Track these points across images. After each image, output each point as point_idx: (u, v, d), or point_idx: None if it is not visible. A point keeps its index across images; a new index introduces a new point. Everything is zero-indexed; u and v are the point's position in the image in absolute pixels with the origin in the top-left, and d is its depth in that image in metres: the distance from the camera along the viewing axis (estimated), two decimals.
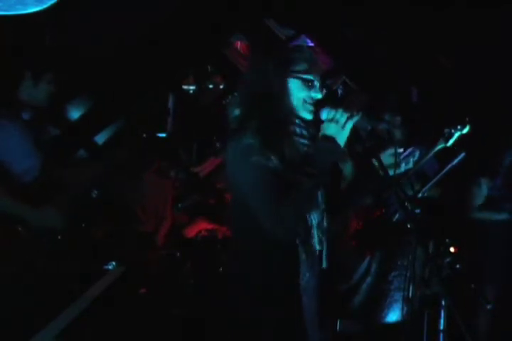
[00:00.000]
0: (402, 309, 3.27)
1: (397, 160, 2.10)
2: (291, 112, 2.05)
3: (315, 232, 2.04)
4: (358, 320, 3.52)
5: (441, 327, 2.91)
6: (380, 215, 3.57)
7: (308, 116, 2.06)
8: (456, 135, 3.25)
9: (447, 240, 2.84)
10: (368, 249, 3.61)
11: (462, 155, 3.17)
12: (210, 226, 4.79)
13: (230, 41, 5.77)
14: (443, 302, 2.87)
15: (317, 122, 2.05)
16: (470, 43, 4.54)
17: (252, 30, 5.39)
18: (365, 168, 2.16)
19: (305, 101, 2.04)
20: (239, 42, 5.97)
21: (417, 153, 2.18)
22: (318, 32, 5.28)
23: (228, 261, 2.49)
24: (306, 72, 2.05)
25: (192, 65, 5.66)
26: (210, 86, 5.88)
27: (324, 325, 2.12)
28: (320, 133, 2.01)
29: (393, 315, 3.44)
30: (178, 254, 4.51)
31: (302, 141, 2.06)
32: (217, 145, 4.52)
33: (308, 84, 2.04)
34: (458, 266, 2.58)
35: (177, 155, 5.12)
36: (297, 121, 2.06)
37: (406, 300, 3.20)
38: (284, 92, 2.03)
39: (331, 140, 1.97)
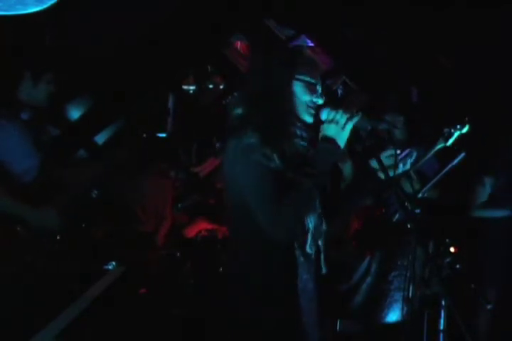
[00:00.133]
0: (402, 309, 3.27)
1: (395, 161, 2.10)
2: (292, 114, 2.05)
3: (309, 236, 2.04)
4: (358, 320, 3.52)
5: (441, 327, 2.91)
6: (380, 215, 3.57)
7: (309, 120, 2.06)
8: (456, 134, 3.26)
9: (447, 240, 2.84)
10: (368, 249, 3.61)
11: (462, 155, 3.17)
12: (210, 227, 4.79)
13: (230, 41, 5.77)
14: (443, 303, 2.87)
15: (317, 124, 2.05)
16: (470, 43, 4.54)
17: (252, 30, 5.39)
18: (364, 168, 2.16)
19: (308, 105, 2.04)
20: (239, 42, 5.97)
21: (414, 154, 2.18)
22: (318, 32, 5.28)
23: (228, 261, 2.49)
24: (310, 76, 2.05)
25: (192, 64, 5.66)
26: (210, 86, 5.88)
27: (324, 325, 2.11)
28: (320, 134, 2.01)
29: (393, 315, 3.44)
30: (178, 254, 4.51)
31: (301, 142, 2.06)
32: (217, 145, 4.52)
33: (312, 89, 2.05)
34: (458, 266, 2.58)
35: (177, 156, 5.12)
36: (298, 123, 2.06)
37: (406, 300, 3.20)
38: (285, 93, 2.03)
39: (331, 141, 1.97)
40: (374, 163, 2.09)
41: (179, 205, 4.98)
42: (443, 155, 3.42)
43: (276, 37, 5.33)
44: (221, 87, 5.85)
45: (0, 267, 2.84)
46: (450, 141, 3.27)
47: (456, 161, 3.18)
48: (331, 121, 1.99)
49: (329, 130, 1.99)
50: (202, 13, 4.83)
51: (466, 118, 3.25)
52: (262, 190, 1.92)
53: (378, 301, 3.48)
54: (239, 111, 2.05)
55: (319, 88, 2.06)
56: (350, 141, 2.03)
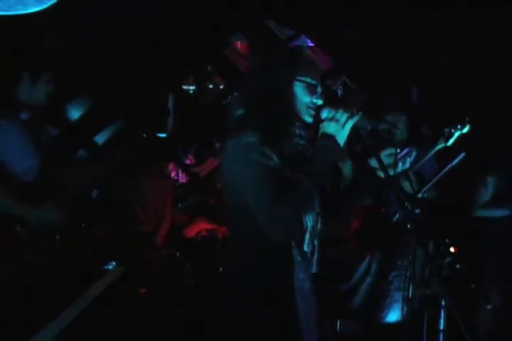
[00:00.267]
0: (402, 309, 3.27)
1: (395, 160, 2.10)
2: (292, 114, 2.04)
3: (307, 235, 2.04)
4: (358, 320, 3.52)
5: (441, 327, 2.91)
6: (379, 215, 3.57)
7: (309, 120, 2.06)
8: (456, 134, 3.26)
9: (447, 240, 2.84)
10: (368, 249, 3.61)
11: (462, 155, 3.17)
12: (209, 227, 4.79)
13: (230, 41, 5.77)
14: (443, 303, 2.87)
15: (316, 124, 2.05)
16: (470, 43, 4.54)
17: (252, 31, 5.39)
18: (364, 168, 2.16)
19: (308, 106, 2.04)
20: (239, 43, 5.98)
21: (414, 154, 2.18)
22: (318, 32, 5.28)
23: (228, 261, 2.48)
24: (311, 76, 2.05)
25: (192, 65, 5.66)
26: (210, 86, 5.89)
27: (323, 325, 2.11)
28: (320, 132, 2.00)
29: (393, 315, 3.44)
30: (178, 254, 4.51)
31: (300, 142, 2.06)
32: (217, 145, 4.52)
33: (312, 90, 2.04)
34: (458, 266, 2.58)
35: (177, 156, 5.12)
36: (298, 123, 2.05)
37: (406, 300, 3.20)
38: (286, 94, 2.02)
39: (330, 139, 1.97)
40: (374, 162, 2.09)
41: (179, 205, 4.98)
42: (443, 155, 3.42)
43: (276, 37, 5.33)
44: (221, 87, 5.85)
45: (0, 267, 2.84)
46: (451, 141, 3.27)
47: (456, 161, 3.18)
48: (331, 119, 1.98)
49: (329, 128, 1.98)
50: (202, 13, 4.83)
51: (467, 118, 3.25)
52: (262, 189, 1.92)
53: (378, 301, 3.48)
54: (239, 111, 2.04)
55: (319, 89, 2.06)
56: (351, 140, 2.03)
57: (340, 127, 1.97)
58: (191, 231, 4.82)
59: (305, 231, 2.04)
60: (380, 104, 3.90)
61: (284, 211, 1.90)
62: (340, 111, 1.98)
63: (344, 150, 2.04)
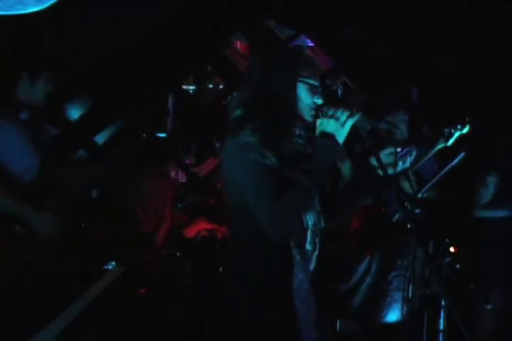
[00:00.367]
0: (402, 309, 3.27)
1: (394, 159, 2.10)
2: (294, 114, 2.04)
3: (309, 234, 2.04)
4: (358, 320, 3.52)
5: (441, 327, 2.91)
6: (379, 215, 3.57)
7: (310, 120, 2.05)
8: (456, 135, 3.25)
9: (447, 240, 2.84)
10: (367, 249, 3.60)
11: (462, 155, 3.17)
12: (209, 227, 4.79)
13: (230, 41, 5.77)
14: (443, 302, 2.87)
15: (315, 122, 2.05)
16: (470, 43, 4.53)
17: (252, 30, 5.39)
18: (364, 167, 2.16)
19: (310, 107, 2.03)
20: (239, 42, 5.97)
21: (414, 153, 2.18)
22: (317, 32, 5.28)
23: (228, 261, 2.48)
24: (313, 78, 2.04)
25: (192, 64, 5.66)
26: (210, 86, 5.88)
27: (323, 325, 2.11)
28: (318, 130, 2.00)
29: (393, 315, 3.44)
30: (178, 254, 4.51)
31: (299, 141, 2.05)
32: (217, 145, 4.52)
33: (314, 91, 2.04)
34: (458, 265, 2.58)
35: (177, 155, 5.12)
36: (299, 124, 2.05)
37: (406, 300, 3.20)
38: (289, 94, 2.01)
39: (330, 137, 1.96)
40: (373, 161, 2.09)
41: (179, 205, 4.98)
42: (443, 155, 3.42)
43: (276, 37, 5.33)
44: (221, 86, 5.85)
45: (0, 267, 2.84)
46: (450, 141, 3.27)
47: (456, 161, 3.18)
48: (331, 117, 1.98)
49: (329, 126, 1.98)
50: (202, 12, 4.83)
51: (467, 119, 3.25)
52: (261, 188, 1.92)
53: (378, 301, 3.48)
54: (238, 111, 2.04)
55: (320, 89, 2.06)
56: (350, 140, 2.02)
57: (340, 125, 1.96)
58: (191, 231, 4.82)
59: (306, 230, 2.03)
60: (380, 104, 3.90)
61: (284, 210, 1.89)
62: (341, 109, 1.97)
63: (343, 150, 2.03)
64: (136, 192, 4.58)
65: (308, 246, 2.04)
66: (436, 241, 2.78)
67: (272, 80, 2.01)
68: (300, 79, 2.02)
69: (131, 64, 4.79)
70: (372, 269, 3.54)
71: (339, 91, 5.30)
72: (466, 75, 4.74)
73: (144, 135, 4.11)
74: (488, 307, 2.60)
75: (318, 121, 2.01)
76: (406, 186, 3.36)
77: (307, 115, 2.04)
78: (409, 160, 2.13)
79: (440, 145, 3.30)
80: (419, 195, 3.28)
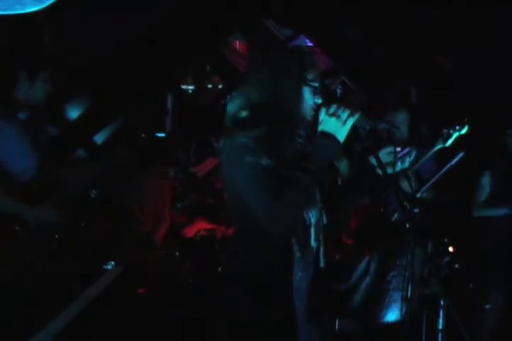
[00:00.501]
0: (401, 309, 3.27)
1: (394, 159, 2.10)
2: (297, 116, 2.02)
3: (312, 231, 2.04)
4: (357, 319, 3.52)
5: (440, 327, 2.91)
6: (378, 215, 3.57)
7: (310, 119, 2.05)
8: (455, 135, 3.26)
9: (446, 240, 2.84)
10: (366, 249, 3.61)
11: (461, 155, 3.17)
12: (208, 226, 4.79)
13: (229, 41, 5.77)
14: (442, 302, 2.87)
15: (315, 121, 2.04)
16: (469, 43, 4.54)
17: (252, 30, 5.39)
18: (363, 166, 2.16)
19: (311, 107, 2.03)
20: (237, 42, 5.97)
21: (413, 153, 2.18)
22: (316, 32, 5.28)
23: (227, 261, 2.48)
24: (315, 79, 2.04)
25: (191, 64, 5.66)
26: (209, 86, 5.88)
27: (321, 324, 2.11)
28: (319, 128, 1.99)
29: (392, 315, 3.44)
30: (177, 254, 4.51)
31: (299, 140, 2.05)
32: (216, 145, 4.51)
33: (316, 92, 2.04)
34: (457, 265, 2.59)
35: (176, 155, 5.11)
36: (301, 124, 2.04)
37: (405, 300, 3.20)
38: (291, 96, 2.00)
39: (330, 136, 1.96)
40: (372, 160, 2.08)
41: (178, 205, 4.97)
42: (442, 155, 3.42)
43: (276, 37, 5.33)
44: (220, 86, 5.85)
45: None
46: (449, 142, 3.28)
47: (454, 161, 3.18)
48: (332, 115, 1.97)
49: (329, 125, 1.97)
50: (200, 12, 4.83)
51: (465, 120, 3.25)
52: (260, 190, 1.92)
53: (377, 301, 3.48)
54: (237, 112, 2.03)
55: (319, 89, 2.06)
56: (350, 140, 2.02)
57: (341, 124, 1.96)
58: (190, 231, 4.82)
59: (309, 227, 2.03)
60: (379, 104, 3.90)
61: (284, 209, 1.89)
62: (342, 108, 1.97)
63: (341, 148, 2.02)
64: (135, 192, 4.58)
65: (313, 243, 2.04)
66: (435, 241, 2.78)
67: (278, 82, 2.00)
68: (305, 81, 2.01)
69: (130, 63, 4.79)
70: (372, 269, 3.55)
71: (338, 91, 5.30)
72: (465, 75, 4.74)
73: (143, 135, 4.11)
74: (487, 306, 2.60)
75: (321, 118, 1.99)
76: (405, 185, 3.36)
77: (308, 115, 2.04)
78: (408, 160, 2.13)
79: (439, 146, 3.31)
80: (418, 195, 3.28)
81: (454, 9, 4.45)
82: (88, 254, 3.79)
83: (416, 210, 2.98)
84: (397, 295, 3.40)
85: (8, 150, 2.95)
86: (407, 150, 2.21)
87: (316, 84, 2.03)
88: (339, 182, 2.35)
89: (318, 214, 2.07)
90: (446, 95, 4.80)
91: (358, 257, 3.61)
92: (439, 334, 2.91)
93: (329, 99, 2.05)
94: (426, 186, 3.34)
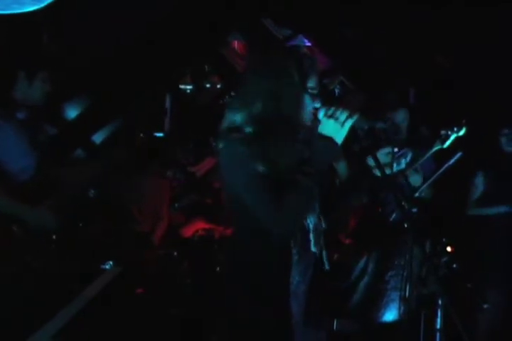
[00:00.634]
0: (399, 308, 3.27)
1: (391, 160, 2.10)
2: (297, 122, 2.02)
3: (312, 236, 2.04)
4: (355, 319, 3.52)
5: (438, 327, 2.91)
6: (376, 215, 3.57)
7: (309, 123, 2.04)
8: (453, 137, 3.26)
9: (444, 239, 2.84)
10: (365, 249, 3.61)
11: (459, 154, 3.18)
12: (207, 226, 4.79)
13: (228, 41, 5.77)
14: (440, 302, 2.88)
15: (313, 124, 2.04)
16: (468, 43, 4.54)
17: (251, 30, 5.39)
18: (361, 167, 2.16)
19: (311, 112, 2.02)
20: (236, 42, 5.98)
21: (409, 155, 2.18)
22: (315, 32, 5.28)
23: (226, 261, 2.48)
24: (315, 86, 2.03)
25: (189, 64, 5.65)
26: (208, 85, 5.88)
27: (320, 326, 2.11)
28: (317, 131, 1.99)
29: (390, 315, 3.44)
30: (175, 254, 4.51)
31: (298, 144, 2.04)
32: (214, 144, 4.50)
33: (315, 97, 2.03)
34: (455, 265, 2.59)
35: (174, 155, 5.12)
36: (300, 129, 2.04)
37: (403, 300, 3.20)
38: (292, 104, 1.99)
39: (328, 138, 1.96)
40: (370, 161, 2.08)
41: (176, 205, 4.98)
42: (439, 154, 3.43)
43: (274, 37, 5.34)
44: (218, 86, 5.85)
45: None
46: (447, 143, 3.28)
47: (452, 161, 3.19)
48: (330, 117, 1.97)
49: (327, 126, 1.96)
50: (199, 12, 4.83)
51: (463, 121, 3.25)
52: (261, 196, 1.91)
53: (375, 301, 3.48)
54: (236, 117, 2.02)
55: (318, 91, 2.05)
56: (348, 140, 2.02)
57: (339, 126, 1.95)
58: (188, 231, 4.82)
59: (308, 232, 2.03)
60: (378, 104, 3.90)
61: (285, 213, 1.89)
62: (340, 109, 1.96)
63: (340, 150, 2.02)
64: (133, 192, 4.58)
65: (313, 248, 2.03)
66: (434, 241, 2.78)
67: (279, 90, 1.98)
68: (307, 90, 2.00)
69: (129, 63, 4.79)
70: (370, 269, 3.55)
71: (337, 91, 5.31)
72: (464, 75, 4.74)
73: (142, 134, 4.11)
74: (485, 306, 2.61)
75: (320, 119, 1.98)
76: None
77: (307, 119, 2.03)
78: (404, 161, 2.13)
79: (436, 147, 3.31)
80: (417, 194, 3.29)
81: (454, 9, 4.45)
82: (86, 254, 3.79)
83: (414, 210, 2.98)
84: (395, 295, 3.40)
85: (7, 149, 2.95)
86: (402, 151, 2.21)
87: (316, 91, 2.02)
88: (337, 183, 2.35)
89: (317, 219, 2.07)
90: (445, 95, 4.80)
91: (356, 257, 3.62)
92: (437, 334, 2.91)
93: (328, 100, 2.05)
94: (424, 185, 3.34)
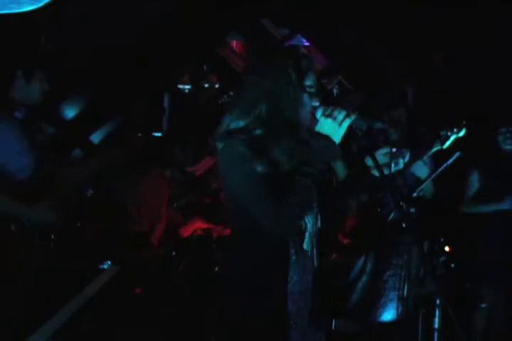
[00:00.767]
0: (397, 308, 3.28)
1: (389, 160, 2.10)
2: (296, 122, 2.01)
3: (307, 235, 2.04)
4: (353, 319, 3.53)
5: (436, 326, 2.92)
6: (375, 214, 3.58)
7: (308, 123, 2.04)
8: (452, 138, 3.26)
9: (442, 239, 2.85)
10: (363, 248, 3.61)
11: (457, 154, 3.18)
12: (205, 226, 4.79)
13: (226, 41, 5.77)
14: (438, 301, 2.88)
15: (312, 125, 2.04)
16: (466, 43, 4.55)
17: (250, 30, 5.39)
18: (359, 167, 2.16)
19: (310, 112, 2.02)
20: (234, 42, 5.98)
21: (407, 155, 2.18)
22: (313, 31, 5.29)
23: (224, 261, 2.48)
24: (313, 85, 2.03)
25: (187, 64, 5.65)
26: (206, 85, 5.88)
27: (320, 326, 2.11)
28: (315, 129, 1.98)
29: (388, 314, 3.45)
30: (174, 254, 4.51)
31: (297, 144, 2.04)
32: (213, 144, 4.50)
33: (313, 96, 2.03)
34: (452, 265, 2.59)
35: (172, 155, 5.11)
36: (299, 129, 2.03)
37: (401, 300, 3.21)
38: (292, 105, 1.99)
39: (326, 137, 1.96)
40: (369, 161, 2.09)
41: (174, 205, 4.98)
42: (437, 153, 3.43)
43: (272, 37, 5.34)
44: (216, 86, 5.85)
45: None
46: (446, 144, 3.28)
47: (451, 160, 3.19)
48: (328, 116, 1.96)
49: (325, 126, 1.96)
50: (198, 12, 4.83)
51: (464, 122, 3.25)
52: (260, 197, 1.91)
53: (373, 300, 3.48)
54: (235, 118, 2.01)
55: (316, 90, 2.05)
56: (346, 140, 2.02)
57: (337, 125, 1.96)
58: (186, 231, 4.82)
59: (305, 231, 2.03)
60: (376, 104, 3.91)
61: (285, 213, 1.89)
62: (338, 108, 1.96)
63: (338, 149, 2.02)
64: (132, 192, 4.58)
65: (305, 246, 2.04)
66: (432, 241, 2.79)
67: (279, 92, 1.97)
68: (305, 89, 2.00)
69: (127, 63, 4.79)
70: (368, 268, 3.55)
71: (335, 91, 5.31)
72: (462, 75, 4.75)
73: (140, 134, 4.11)
74: (483, 306, 2.61)
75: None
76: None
77: (306, 119, 2.03)
78: (402, 161, 2.13)
79: (436, 148, 3.31)
80: (415, 194, 3.29)
81: (452, 10, 4.46)
82: (85, 254, 3.79)
83: (412, 210, 2.99)
84: (393, 295, 3.40)
85: (5, 149, 2.94)
86: (400, 151, 2.21)
87: (314, 90, 2.02)
88: (334, 183, 2.35)
89: (315, 219, 2.07)
90: (442, 95, 4.81)
91: (354, 257, 3.62)
92: (435, 334, 2.92)
93: (326, 99, 2.05)
94: (422, 185, 3.35)
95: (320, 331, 2.11)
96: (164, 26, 4.81)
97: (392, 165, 2.10)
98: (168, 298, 4.12)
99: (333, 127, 1.96)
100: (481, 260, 4.06)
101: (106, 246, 4.17)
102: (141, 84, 5.01)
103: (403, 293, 3.14)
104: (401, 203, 2.18)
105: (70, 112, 4.97)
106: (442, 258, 2.76)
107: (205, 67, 5.84)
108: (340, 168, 3.14)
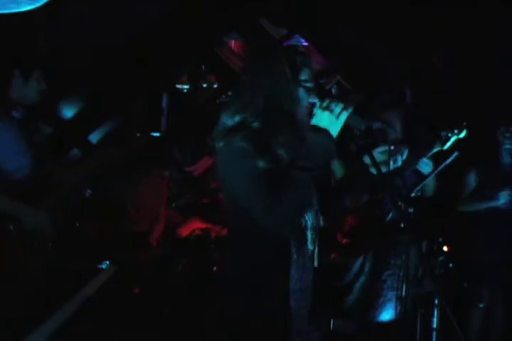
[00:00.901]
0: (396, 308, 3.28)
1: (388, 158, 2.10)
2: (294, 118, 2.02)
3: (309, 234, 2.04)
4: (352, 319, 3.53)
5: (434, 326, 2.92)
6: (373, 214, 3.57)
7: (305, 118, 2.04)
8: (453, 139, 3.26)
9: (440, 239, 2.85)
10: (361, 248, 3.61)
11: (455, 154, 3.19)
12: (203, 226, 4.79)
13: (225, 40, 5.77)
14: (436, 301, 2.88)
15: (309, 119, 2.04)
16: (466, 43, 4.55)
17: (249, 30, 5.39)
18: (357, 166, 2.16)
19: (307, 108, 2.02)
20: (233, 42, 5.98)
21: (405, 152, 2.18)
22: (312, 31, 5.29)
23: (223, 261, 2.48)
24: (309, 79, 2.03)
25: (186, 64, 5.65)
26: (204, 85, 5.88)
27: (319, 325, 2.11)
28: (312, 122, 1.98)
29: (386, 314, 3.45)
30: (172, 254, 4.51)
31: (295, 140, 2.04)
32: (212, 144, 4.50)
33: (310, 92, 2.03)
34: (451, 264, 2.59)
35: (171, 155, 5.11)
36: (296, 125, 2.04)
37: (399, 299, 3.21)
38: (289, 101, 2.00)
39: (323, 130, 1.95)
40: (367, 159, 2.08)
41: (173, 204, 4.97)
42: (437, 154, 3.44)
43: (271, 37, 5.34)
44: (215, 86, 5.85)
45: None
46: (447, 145, 3.28)
47: (449, 160, 3.20)
48: (325, 109, 1.96)
49: (322, 119, 1.95)
50: (196, 12, 4.83)
51: (464, 123, 3.25)
52: (259, 192, 1.91)
53: (372, 300, 3.48)
54: (234, 115, 2.02)
55: (314, 89, 2.05)
56: (345, 139, 2.02)
57: (334, 118, 1.94)
58: (185, 231, 4.82)
59: (306, 229, 2.03)
60: (375, 104, 3.91)
61: (284, 209, 1.89)
62: (335, 101, 1.96)
63: (334, 143, 2.02)
64: (130, 192, 4.58)
65: (310, 246, 2.04)
66: (430, 240, 2.79)
67: (278, 88, 1.98)
68: (300, 83, 2.00)
69: (126, 63, 4.79)
70: (366, 268, 3.55)
71: (333, 91, 5.31)
72: (462, 75, 4.75)
73: (138, 134, 4.11)
74: (481, 305, 2.61)
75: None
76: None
77: (304, 115, 2.03)
78: (400, 159, 2.13)
79: (436, 149, 3.31)
80: (413, 194, 3.29)
81: (452, 10, 4.46)
82: (83, 254, 3.79)
83: (410, 210, 2.99)
84: (391, 295, 3.40)
85: (3, 149, 2.94)
86: (398, 148, 2.21)
87: (310, 84, 2.02)
88: (333, 182, 2.35)
89: (315, 216, 2.07)
90: (441, 95, 4.81)
91: (352, 257, 3.62)
92: (434, 333, 2.92)
93: (325, 96, 2.04)
94: (421, 185, 3.35)
95: (318, 331, 2.11)
96: (164, 26, 4.81)
97: (391, 162, 2.10)
98: (167, 298, 4.12)
99: (331, 120, 1.94)
100: (480, 260, 4.06)
101: (105, 246, 4.17)
102: (140, 84, 5.00)
103: (401, 293, 3.14)
104: (399, 203, 2.17)
105: (68, 112, 4.97)
106: (441, 258, 2.76)
107: (203, 67, 5.84)
108: (337, 168, 3.14)
